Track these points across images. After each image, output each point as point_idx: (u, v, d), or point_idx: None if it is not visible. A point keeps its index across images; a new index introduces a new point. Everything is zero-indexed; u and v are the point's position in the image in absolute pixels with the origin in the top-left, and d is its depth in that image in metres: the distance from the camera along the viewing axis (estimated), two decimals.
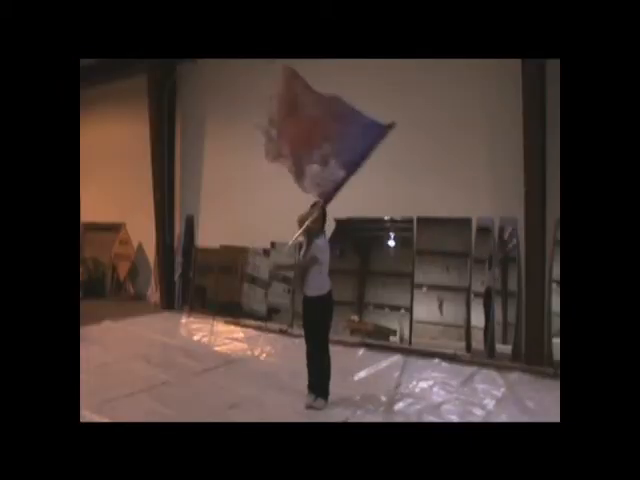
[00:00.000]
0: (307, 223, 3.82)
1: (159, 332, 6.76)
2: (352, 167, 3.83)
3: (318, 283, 3.96)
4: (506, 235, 5.57)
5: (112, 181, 9.78)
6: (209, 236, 8.22)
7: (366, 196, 5.99)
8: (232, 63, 7.55)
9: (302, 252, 4.11)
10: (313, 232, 3.94)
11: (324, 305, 3.98)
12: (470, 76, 5.77)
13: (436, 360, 5.43)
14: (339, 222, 6.34)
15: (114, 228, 9.59)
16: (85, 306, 6.84)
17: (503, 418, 3.93)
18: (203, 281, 8.14)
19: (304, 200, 6.89)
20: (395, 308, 6.10)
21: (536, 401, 4.25)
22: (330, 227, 6.39)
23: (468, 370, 5.13)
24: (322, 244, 3.97)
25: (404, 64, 5.79)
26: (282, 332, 6.77)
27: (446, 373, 5.06)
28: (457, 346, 5.61)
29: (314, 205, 3.97)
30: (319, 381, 4.01)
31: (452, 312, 5.77)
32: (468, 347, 5.57)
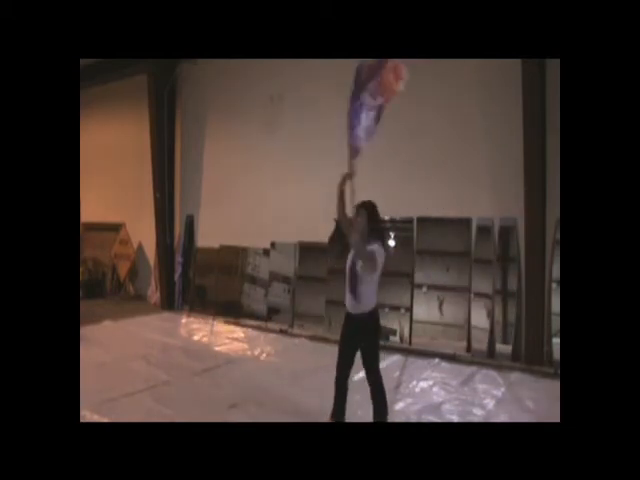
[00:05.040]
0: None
1: (159, 332, 6.77)
2: None
3: (372, 296, 3.42)
4: (506, 235, 5.58)
5: (112, 181, 9.79)
6: (209, 236, 8.22)
7: (366, 196, 5.99)
8: (232, 63, 7.56)
9: (349, 260, 3.45)
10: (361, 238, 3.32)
11: (376, 321, 3.49)
12: (470, 76, 5.77)
13: (436, 360, 5.44)
14: (339, 223, 6.33)
15: (114, 228, 9.60)
16: (85, 306, 6.90)
17: (503, 418, 3.93)
18: (203, 281, 8.15)
19: (304, 200, 6.93)
20: (395, 308, 6.10)
21: (536, 401, 4.25)
22: (330, 227, 6.42)
23: (468, 370, 5.13)
24: (379, 258, 3.31)
25: (404, 63, 5.79)
26: (282, 332, 6.78)
27: (446, 373, 5.06)
28: (457, 346, 5.62)
29: (360, 207, 3.48)
30: (384, 406, 3.52)
31: (452, 312, 5.78)
32: (468, 347, 5.58)
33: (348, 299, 3.45)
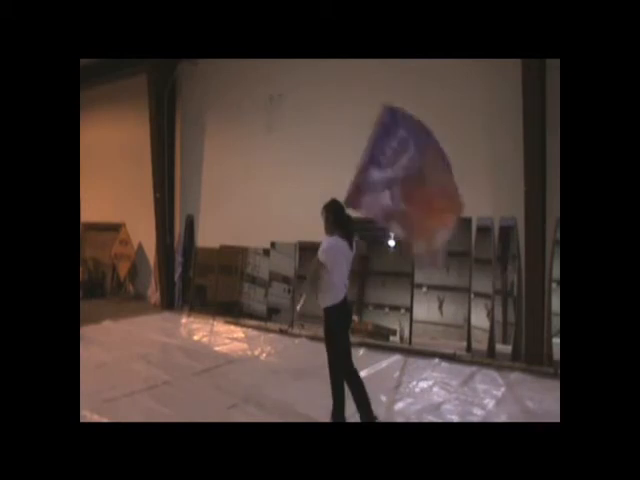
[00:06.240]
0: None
1: (159, 332, 6.77)
2: None
3: (327, 291, 3.51)
4: (506, 235, 5.58)
5: (112, 181, 9.79)
6: (209, 236, 8.22)
7: None
8: (232, 63, 7.57)
9: None
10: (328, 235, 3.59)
11: (332, 318, 3.54)
12: (470, 76, 5.77)
13: (436, 360, 5.44)
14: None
15: (114, 228, 9.60)
16: (85, 306, 6.90)
17: (503, 418, 3.93)
18: (203, 281, 8.15)
19: (304, 200, 6.93)
20: (395, 308, 6.10)
21: (536, 401, 4.25)
22: None
23: (468, 370, 5.13)
24: (325, 246, 3.50)
25: (403, 64, 5.80)
26: (282, 332, 6.78)
27: (446, 373, 5.06)
28: (457, 346, 5.62)
29: (323, 207, 3.66)
30: (337, 407, 3.55)
31: (452, 312, 5.78)
32: (468, 347, 5.58)
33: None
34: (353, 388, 3.58)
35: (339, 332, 3.59)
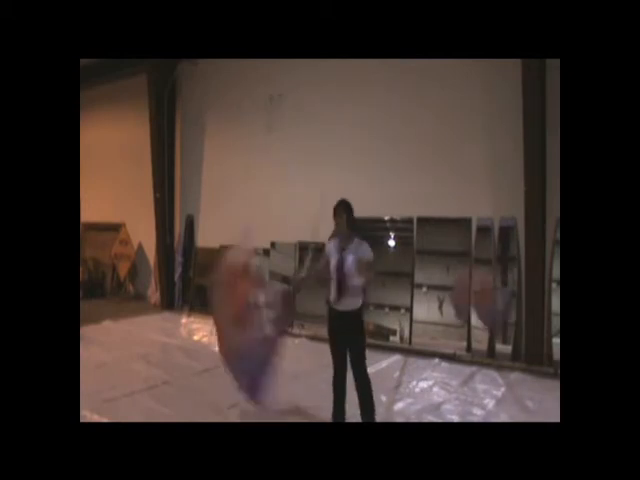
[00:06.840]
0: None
1: (159, 332, 6.77)
2: None
3: (359, 294, 3.44)
4: (506, 235, 5.58)
5: (112, 181, 9.79)
6: (209, 236, 8.22)
7: (366, 196, 6.00)
8: (232, 63, 7.57)
9: (333, 261, 3.50)
10: (344, 238, 3.50)
11: (359, 319, 3.49)
12: (470, 76, 5.78)
13: (436, 360, 5.44)
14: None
15: (114, 228, 9.59)
16: (85, 306, 6.90)
17: (503, 418, 3.93)
18: (203, 281, 8.15)
19: (304, 200, 6.93)
20: (395, 308, 6.10)
21: (536, 401, 4.25)
22: (330, 227, 6.41)
23: (468, 370, 5.13)
24: (369, 248, 3.45)
25: (403, 64, 5.80)
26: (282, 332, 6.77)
27: (446, 373, 5.06)
28: (457, 346, 5.62)
29: (337, 207, 3.53)
30: (372, 406, 3.52)
31: (452, 312, 5.78)
32: (468, 347, 5.58)
33: (337, 297, 3.45)
34: (362, 390, 3.51)
35: (363, 333, 3.57)
